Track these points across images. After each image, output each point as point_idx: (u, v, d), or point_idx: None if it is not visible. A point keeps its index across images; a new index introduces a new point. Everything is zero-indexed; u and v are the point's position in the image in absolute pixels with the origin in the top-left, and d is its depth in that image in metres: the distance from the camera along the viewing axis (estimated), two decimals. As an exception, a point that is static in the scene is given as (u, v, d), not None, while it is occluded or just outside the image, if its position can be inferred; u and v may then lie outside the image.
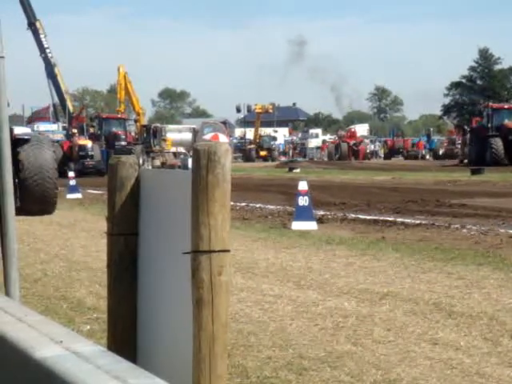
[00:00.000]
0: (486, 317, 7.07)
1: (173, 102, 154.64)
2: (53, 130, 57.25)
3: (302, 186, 15.54)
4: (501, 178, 32.59)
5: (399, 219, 16.56)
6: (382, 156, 73.77)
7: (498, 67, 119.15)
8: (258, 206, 20.98)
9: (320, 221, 15.95)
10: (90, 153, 44.79)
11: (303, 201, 15.26)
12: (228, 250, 3.83)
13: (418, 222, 15.93)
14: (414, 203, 20.52)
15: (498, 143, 45.88)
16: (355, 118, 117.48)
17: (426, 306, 7.62)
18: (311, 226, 15.01)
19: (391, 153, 73.97)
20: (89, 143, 45.83)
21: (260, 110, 75.71)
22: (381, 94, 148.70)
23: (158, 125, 55.94)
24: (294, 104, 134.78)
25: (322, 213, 17.81)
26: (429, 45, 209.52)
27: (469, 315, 7.17)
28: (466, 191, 24.97)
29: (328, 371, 5.65)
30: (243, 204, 21.03)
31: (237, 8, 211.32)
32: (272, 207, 20.43)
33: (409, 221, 16.18)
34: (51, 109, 63.48)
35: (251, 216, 18.09)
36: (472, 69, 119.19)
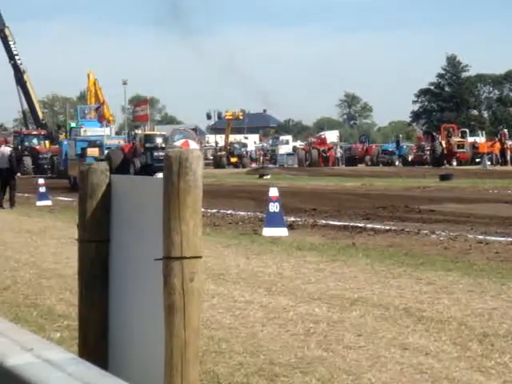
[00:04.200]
0: (455, 322, 7.13)
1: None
2: None
3: (273, 192, 15.57)
4: (469, 183, 32.85)
5: (369, 225, 16.64)
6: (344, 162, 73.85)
7: (465, 74, 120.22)
8: (228, 212, 20.98)
9: (291, 227, 15.99)
10: None
11: (274, 207, 15.29)
12: (200, 257, 3.84)
13: (387, 227, 16.02)
14: (383, 209, 20.63)
15: None
16: (325, 124, 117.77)
17: (396, 312, 7.66)
18: (282, 232, 15.04)
19: (356, 159, 74.17)
20: None
21: (230, 117, 75.71)
22: (351, 100, 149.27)
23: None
24: (265, 111, 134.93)
25: (292, 219, 17.85)
26: (398, 52, 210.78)
27: (438, 320, 7.22)
28: (435, 197, 25.14)
29: (299, 377, 5.67)
30: (214, 210, 21.02)
31: (204, 14, 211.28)
32: (243, 214, 20.44)
33: (379, 227, 16.26)
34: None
35: (222, 222, 18.09)
36: (440, 76, 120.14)
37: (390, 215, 19.01)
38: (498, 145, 61.76)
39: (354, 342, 6.57)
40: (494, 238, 13.69)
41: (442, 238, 13.94)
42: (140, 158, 37.66)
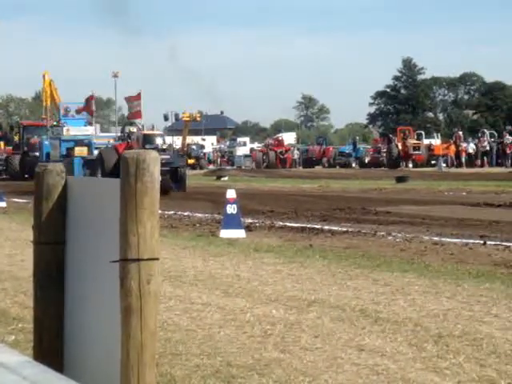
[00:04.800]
0: (410, 323, 7.18)
1: (99, 109, 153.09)
2: None
3: (230, 194, 15.57)
4: (425, 185, 33.15)
5: (326, 227, 16.71)
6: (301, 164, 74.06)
7: (421, 77, 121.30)
8: (186, 214, 20.94)
9: (248, 229, 16.00)
10: None
11: (231, 209, 15.28)
12: (157, 258, 3.82)
13: (344, 229, 16.10)
14: (340, 211, 20.74)
15: None
16: (282, 126, 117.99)
17: (352, 313, 7.70)
18: (239, 233, 15.04)
19: (313, 161, 74.41)
20: None
21: (188, 119, 75.40)
22: (308, 102, 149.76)
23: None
24: (222, 112, 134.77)
25: (250, 221, 17.86)
26: (355, 54, 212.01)
27: (394, 321, 7.27)
28: (391, 199, 25.33)
29: (256, 379, 5.67)
30: (171, 212, 20.96)
31: (158, 16, 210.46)
32: (200, 215, 20.41)
33: (336, 228, 16.34)
34: None
35: (179, 224, 18.04)
36: (396, 78, 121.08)
37: (346, 217, 19.10)
38: (452, 147, 62.36)
39: (311, 343, 6.59)
40: (449, 240, 13.82)
41: (398, 240, 14.04)
42: None
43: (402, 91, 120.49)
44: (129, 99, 42.68)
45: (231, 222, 15.23)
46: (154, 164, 3.82)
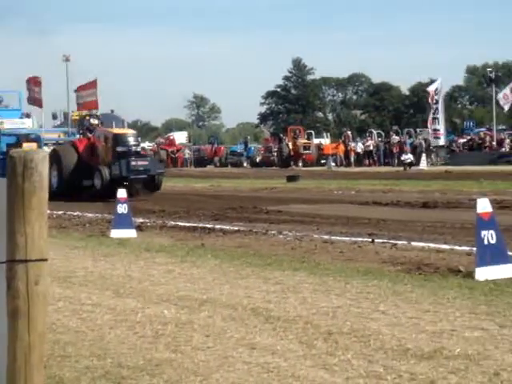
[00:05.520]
0: (301, 321, 7.26)
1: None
2: None
3: (121, 193, 15.43)
4: (315, 184, 33.60)
5: (218, 226, 16.75)
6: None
7: (310, 77, 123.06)
8: (75, 214, 20.65)
9: (139, 228, 15.89)
10: None
11: (122, 208, 15.15)
12: (45, 259, 3.76)
13: (236, 228, 16.17)
14: (232, 210, 20.81)
15: None
16: (174, 125, 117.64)
17: (244, 312, 7.74)
18: (130, 233, 14.92)
19: (204, 161, 74.49)
20: None
21: (77, 117, 74.60)
22: (199, 101, 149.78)
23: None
24: (112, 111, 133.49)
25: (141, 220, 17.75)
26: (245, 54, 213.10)
27: (285, 319, 7.34)
28: (282, 198, 25.58)
29: (147, 379, 5.64)
30: (60, 212, 20.64)
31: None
32: (90, 215, 20.16)
33: (227, 227, 16.39)
34: None
35: (69, 224, 17.78)
36: (286, 78, 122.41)
37: (238, 216, 19.19)
38: (341, 146, 63.46)
39: (203, 342, 6.60)
40: (338, 238, 14.04)
41: (289, 239, 14.18)
42: (112, 167, 27.31)
43: (293, 91, 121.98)
44: (82, 88, 37.25)
45: (122, 222, 15.10)
46: (42, 164, 3.76)
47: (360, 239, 13.73)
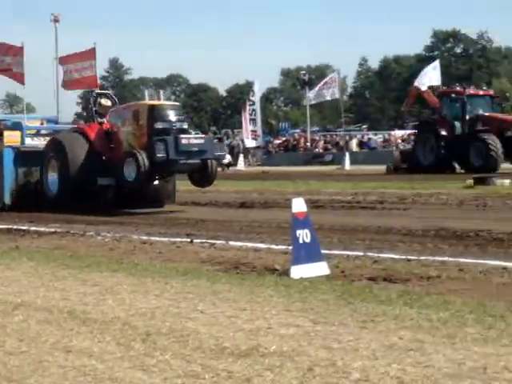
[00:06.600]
0: (119, 322, 7.19)
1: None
2: None
3: None
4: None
5: (33, 228, 16.35)
6: None
7: (128, 77, 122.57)
8: None
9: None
10: None
11: None
12: None
13: (52, 230, 15.84)
14: (46, 213, 20.26)
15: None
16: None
17: (60, 315, 7.58)
18: None
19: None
20: None
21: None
22: (12, 100, 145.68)
23: None
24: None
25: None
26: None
27: (103, 321, 7.24)
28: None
29: (-43, 387, 5.42)
30: None
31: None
32: None
33: (43, 229, 16.02)
34: None
35: None
36: (104, 78, 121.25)
37: (55, 218, 18.77)
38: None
39: (16, 347, 6.41)
40: (157, 239, 14.02)
41: (107, 240, 14.03)
42: (151, 149, 18.84)
43: (110, 90, 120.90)
44: (70, 59, 25.37)
45: None
46: None
47: (179, 239, 13.76)
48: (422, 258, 10.78)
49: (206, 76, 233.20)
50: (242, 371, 5.50)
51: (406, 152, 44.19)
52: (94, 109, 21.80)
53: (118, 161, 19.74)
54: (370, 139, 72.39)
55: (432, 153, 39.63)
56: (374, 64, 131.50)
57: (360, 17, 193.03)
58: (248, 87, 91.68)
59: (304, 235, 9.49)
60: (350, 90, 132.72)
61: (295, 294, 8.24)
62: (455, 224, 14.71)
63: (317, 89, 58.42)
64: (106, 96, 22.61)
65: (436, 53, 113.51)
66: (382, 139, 74.11)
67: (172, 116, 19.57)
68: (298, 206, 9.57)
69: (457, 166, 39.19)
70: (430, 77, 46.36)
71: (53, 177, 21.01)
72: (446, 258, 10.68)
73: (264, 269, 10.13)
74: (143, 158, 18.74)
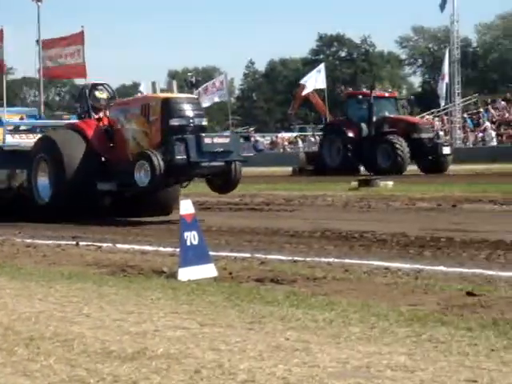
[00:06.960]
0: (1, 327, 7.01)
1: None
2: None
3: None
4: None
5: None
6: None
7: (11, 77, 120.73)
8: None
9: None
10: None
11: None
12: None
13: None
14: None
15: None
16: None
17: None
18: None
19: None
20: None
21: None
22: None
23: None
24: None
25: None
26: None
27: (-16, 327, 7.05)
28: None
29: None
30: None
31: None
32: None
33: None
34: None
35: None
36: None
37: None
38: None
39: None
40: (42, 242, 13.77)
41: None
42: (167, 150, 16.05)
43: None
44: (55, 43, 22.62)
45: None
46: None
47: (64, 242, 13.55)
48: (308, 259, 10.92)
49: (91, 76, 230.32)
50: (129, 374, 5.45)
51: (312, 154, 44.44)
52: (89, 102, 18.29)
53: (120, 163, 17.09)
54: (257, 141, 72.93)
55: (338, 154, 39.91)
56: (261, 67, 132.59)
57: (246, 19, 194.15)
58: (134, 88, 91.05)
59: (192, 237, 9.48)
60: (237, 92, 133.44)
61: (182, 297, 8.22)
62: (340, 225, 14.94)
63: (205, 90, 58.43)
64: (104, 87, 18.94)
65: (321, 56, 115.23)
66: (269, 141, 74.83)
67: (189, 111, 16.57)
68: (186, 207, 9.55)
69: (362, 168, 39.76)
70: (316, 80, 47.11)
71: (43, 181, 17.80)
72: (331, 259, 10.84)
73: (151, 271, 10.07)
74: (158, 159, 15.88)
